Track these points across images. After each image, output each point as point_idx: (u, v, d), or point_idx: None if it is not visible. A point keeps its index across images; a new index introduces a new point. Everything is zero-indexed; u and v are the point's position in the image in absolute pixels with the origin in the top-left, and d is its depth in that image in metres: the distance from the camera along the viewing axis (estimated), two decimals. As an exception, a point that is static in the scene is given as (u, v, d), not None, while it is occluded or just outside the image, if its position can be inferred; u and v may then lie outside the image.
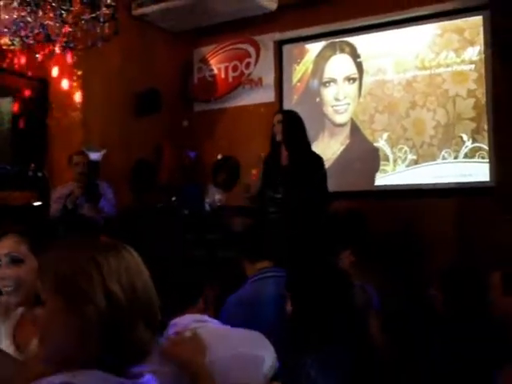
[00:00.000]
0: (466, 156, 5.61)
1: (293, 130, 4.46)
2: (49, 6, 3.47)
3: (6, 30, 3.60)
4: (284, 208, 4.30)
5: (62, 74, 6.07)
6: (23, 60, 5.26)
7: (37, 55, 3.87)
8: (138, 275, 1.20)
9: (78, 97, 6.01)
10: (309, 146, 4.62)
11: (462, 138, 5.63)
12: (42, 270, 1.21)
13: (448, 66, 5.76)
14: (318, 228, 4.01)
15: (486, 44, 5.47)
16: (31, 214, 5.43)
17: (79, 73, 6.01)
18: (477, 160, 5.55)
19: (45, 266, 1.20)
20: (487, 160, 5.49)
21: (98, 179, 5.21)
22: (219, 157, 5.98)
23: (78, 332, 1.12)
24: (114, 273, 1.15)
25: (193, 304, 1.87)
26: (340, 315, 2.17)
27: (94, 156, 5.29)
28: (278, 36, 6.60)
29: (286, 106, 6.42)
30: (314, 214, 4.19)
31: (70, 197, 5.06)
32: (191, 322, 1.76)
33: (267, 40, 6.64)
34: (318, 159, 4.52)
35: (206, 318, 1.82)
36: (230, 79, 6.89)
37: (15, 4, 3.34)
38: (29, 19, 3.65)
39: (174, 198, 5.50)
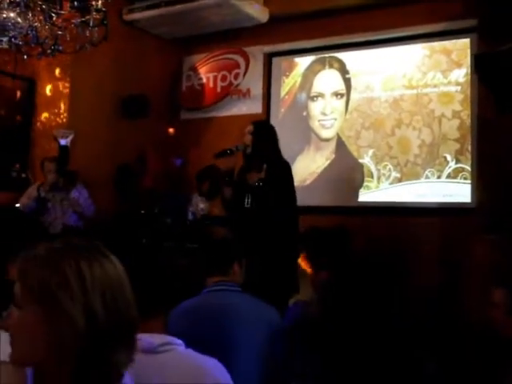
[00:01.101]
0: (448, 176, 5.65)
1: (261, 142, 4.35)
2: (38, 8, 3.47)
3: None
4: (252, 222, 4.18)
5: (50, 76, 6.06)
6: (11, 60, 5.25)
7: (25, 56, 3.87)
8: (122, 290, 1.10)
9: (65, 99, 5.99)
10: (279, 158, 4.37)
11: (445, 158, 5.68)
12: (20, 273, 1.09)
13: (435, 86, 5.82)
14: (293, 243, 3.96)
15: (472, 66, 5.54)
16: (13, 216, 5.39)
17: (67, 75, 5.99)
18: (459, 181, 5.60)
19: (24, 269, 1.08)
20: (469, 181, 5.53)
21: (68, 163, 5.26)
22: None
23: (50, 348, 1.04)
24: (97, 288, 1.05)
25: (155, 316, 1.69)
26: None
27: (63, 141, 5.32)
28: (267, 48, 6.64)
29: (273, 117, 6.45)
30: (280, 229, 4.07)
31: (43, 184, 5.09)
32: (157, 347, 1.60)
33: (257, 52, 6.67)
34: (282, 174, 4.28)
35: (175, 340, 1.66)
36: (219, 89, 6.90)
37: (4, 5, 3.34)
38: (19, 20, 3.64)
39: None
